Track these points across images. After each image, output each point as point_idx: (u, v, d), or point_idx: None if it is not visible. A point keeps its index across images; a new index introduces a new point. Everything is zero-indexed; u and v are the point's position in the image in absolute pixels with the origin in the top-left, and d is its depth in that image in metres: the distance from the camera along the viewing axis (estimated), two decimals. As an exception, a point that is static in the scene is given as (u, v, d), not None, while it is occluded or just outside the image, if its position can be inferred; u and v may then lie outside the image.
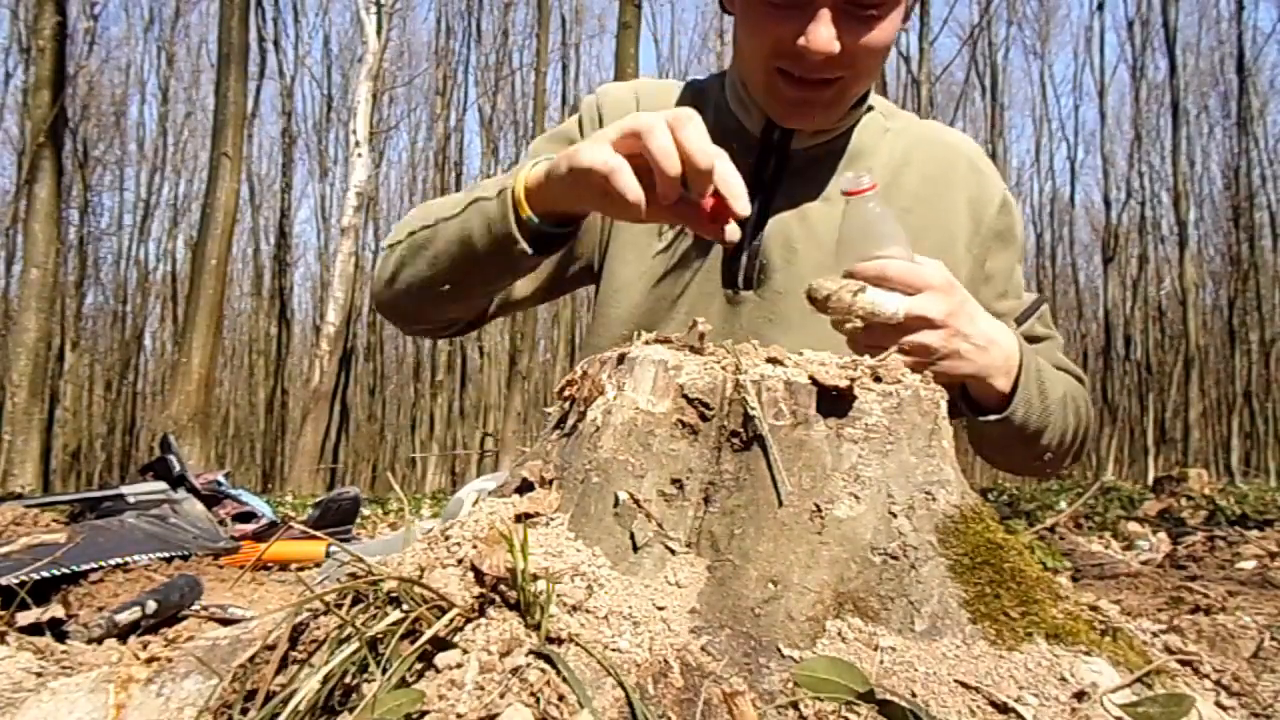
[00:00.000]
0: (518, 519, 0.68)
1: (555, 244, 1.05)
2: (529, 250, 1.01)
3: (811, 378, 0.70)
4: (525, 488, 0.76)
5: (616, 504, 0.69)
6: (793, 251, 1.17)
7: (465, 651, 0.55)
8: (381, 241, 1.25)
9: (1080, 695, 0.57)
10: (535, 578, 0.60)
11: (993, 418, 1.05)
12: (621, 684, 0.54)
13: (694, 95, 1.28)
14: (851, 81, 1.09)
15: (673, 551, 0.67)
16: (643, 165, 0.87)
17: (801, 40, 1.02)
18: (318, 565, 2.19)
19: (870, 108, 1.24)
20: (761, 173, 1.20)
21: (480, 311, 1.27)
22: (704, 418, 0.71)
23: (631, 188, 0.87)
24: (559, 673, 0.53)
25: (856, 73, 1.08)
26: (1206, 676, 0.71)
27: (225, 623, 1.41)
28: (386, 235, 1.21)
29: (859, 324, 0.89)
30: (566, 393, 0.79)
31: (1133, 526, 3.49)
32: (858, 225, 0.94)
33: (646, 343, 0.77)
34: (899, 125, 1.26)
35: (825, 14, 1.01)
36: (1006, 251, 1.25)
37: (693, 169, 0.85)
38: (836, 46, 1.02)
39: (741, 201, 0.87)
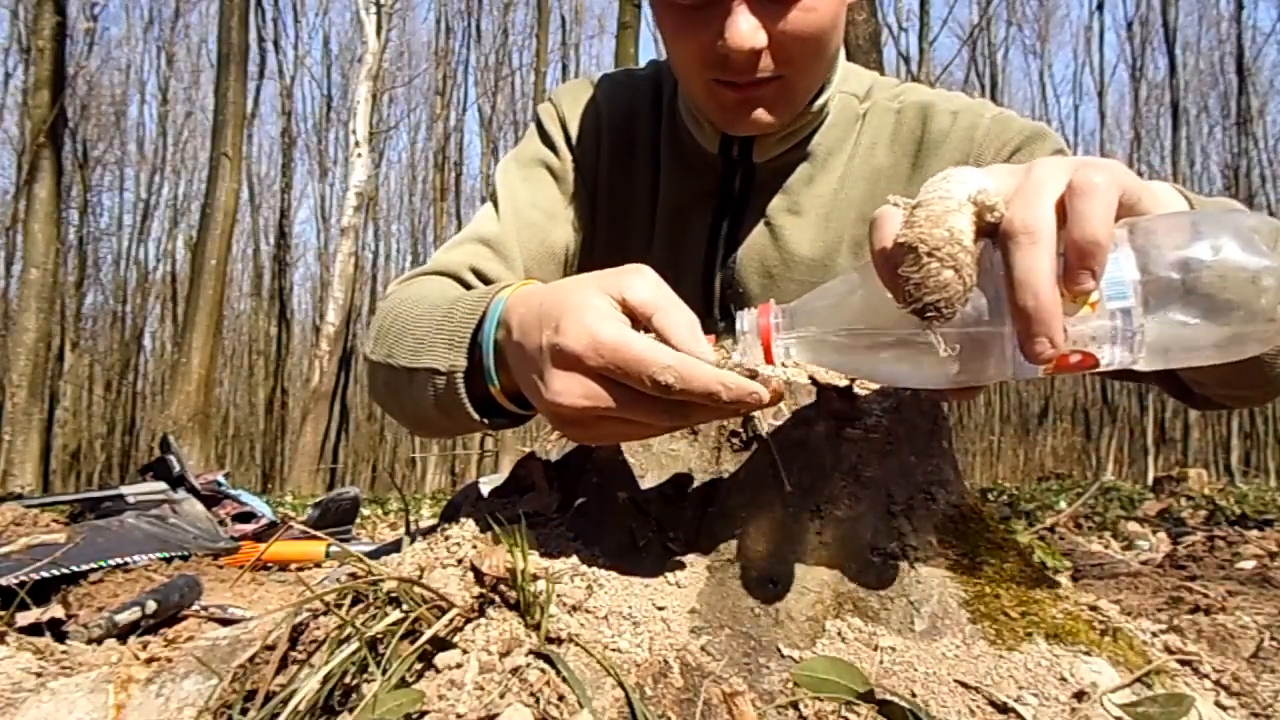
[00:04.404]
0: (518, 519, 0.68)
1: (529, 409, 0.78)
2: (495, 425, 0.80)
3: (811, 378, 0.71)
4: (525, 488, 0.76)
5: (616, 504, 0.69)
6: (769, 277, 1.12)
7: (465, 651, 0.55)
8: (364, 347, 0.99)
9: (1080, 695, 0.57)
10: (535, 578, 0.60)
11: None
12: (621, 684, 0.54)
13: (656, 90, 1.19)
14: (795, 77, 0.98)
15: (673, 551, 0.67)
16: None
17: (721, 42, 0.92)
18: (318, 565, 2.19)
19: (842, 95, 1.12)
20: (727, 193, 1.13)
21: None
22: (704, 418, 0.71)
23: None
24: (559, 673, 0.53)
25: (798, 68, 0.97)
26: (1206, 676, 0.71)
27: (225, 623, 1.40)
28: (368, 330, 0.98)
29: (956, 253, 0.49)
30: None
31: (1133, 526, 3.49)
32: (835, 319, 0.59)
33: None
34: (874, 101, 1.14)
35: (740, 6, 0.90)
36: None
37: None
38: (761, 38, 0.92)
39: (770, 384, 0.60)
